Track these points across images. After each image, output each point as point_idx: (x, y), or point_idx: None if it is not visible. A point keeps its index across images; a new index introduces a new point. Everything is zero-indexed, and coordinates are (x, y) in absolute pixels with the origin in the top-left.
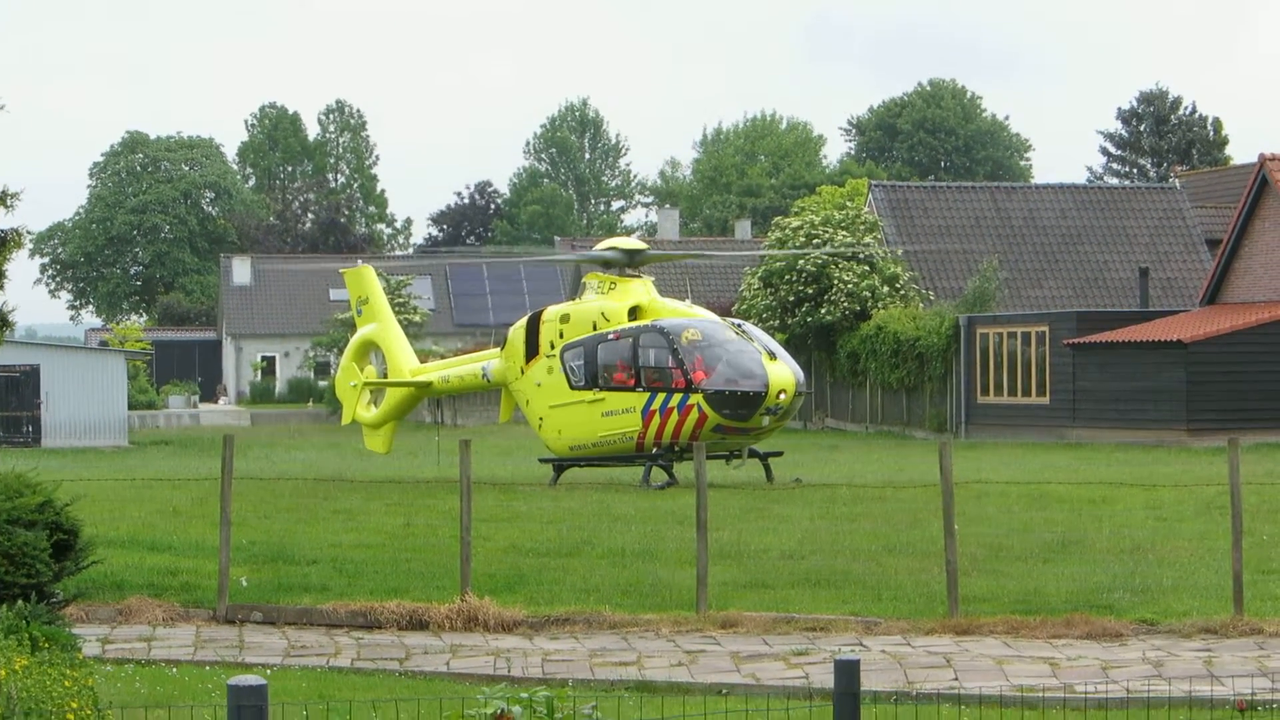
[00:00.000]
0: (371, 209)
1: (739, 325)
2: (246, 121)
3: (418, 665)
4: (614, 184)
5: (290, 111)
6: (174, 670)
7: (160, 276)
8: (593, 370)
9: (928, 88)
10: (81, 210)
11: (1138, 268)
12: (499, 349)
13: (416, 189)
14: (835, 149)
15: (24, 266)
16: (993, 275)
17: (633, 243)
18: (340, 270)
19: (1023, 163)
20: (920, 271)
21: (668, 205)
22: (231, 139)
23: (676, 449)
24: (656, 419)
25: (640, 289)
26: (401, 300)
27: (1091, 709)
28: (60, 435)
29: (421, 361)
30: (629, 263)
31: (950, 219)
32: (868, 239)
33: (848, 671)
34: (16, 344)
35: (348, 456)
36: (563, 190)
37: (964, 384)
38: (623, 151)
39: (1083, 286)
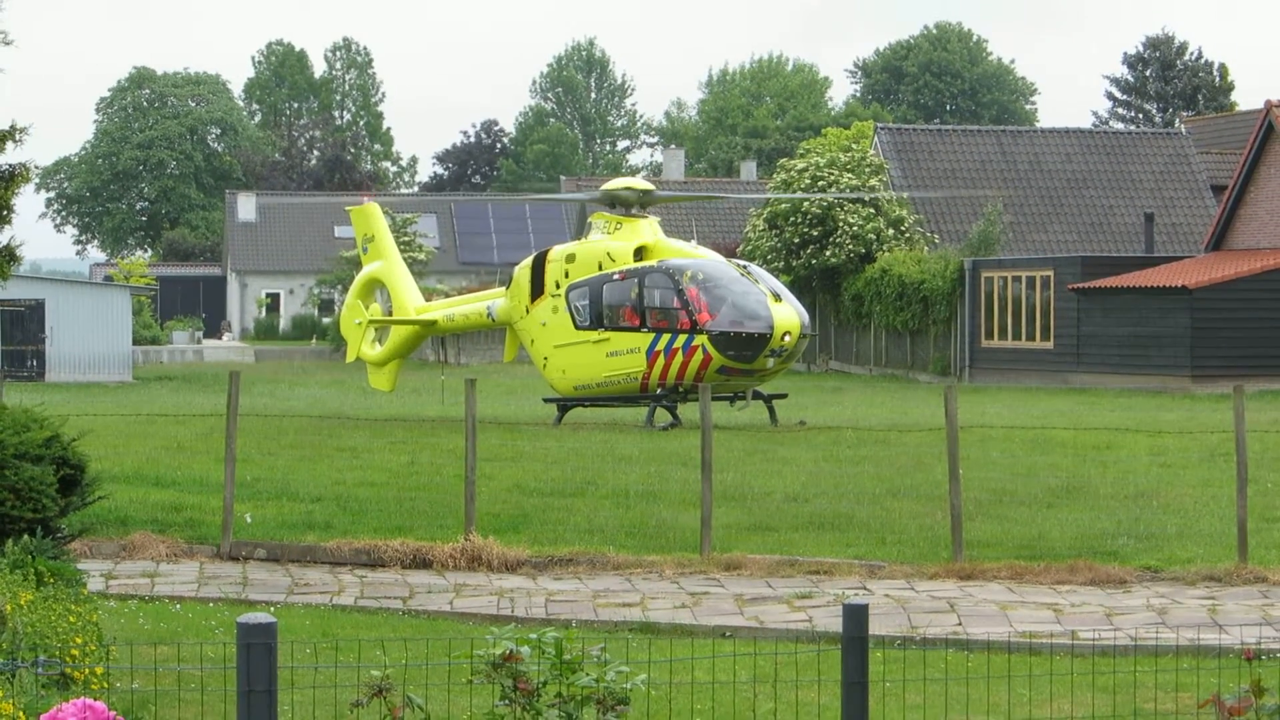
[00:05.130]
0: (377, 147)
1: (744, 266)
2: (253, 58)
3: (421, 604)
4: (620, 124)
5: (297, 49)
6: (177, 607)
7: (166, 212)
8: (598, 310)
9: (934, 30)
10: (88, 145)
11: (1143, 213)
12: (504, 288)
13: (422, 127)
14: (841, 91)
15: (30, 201)
16: (997, 219)
17: (639, 183)
18: (346, 208)
19: (1028, 107)
20: (925, 215)
21: (673, 146)
22: (238, 75)
23: (681, 390)
24: (661, 360)
25: (646, 229)
26: (407, 238)
27: (1096, 656)
28: (64, 370)
29: (426, 300)
30: (635, 203)
31: (955, 162)
32: (873, 182)
33: (856, 616)
34: (22, 278)
35: (352, 394)
36: (568, 130)
37: (968, 328)
38: (629, 91)
39: (1087, 231)
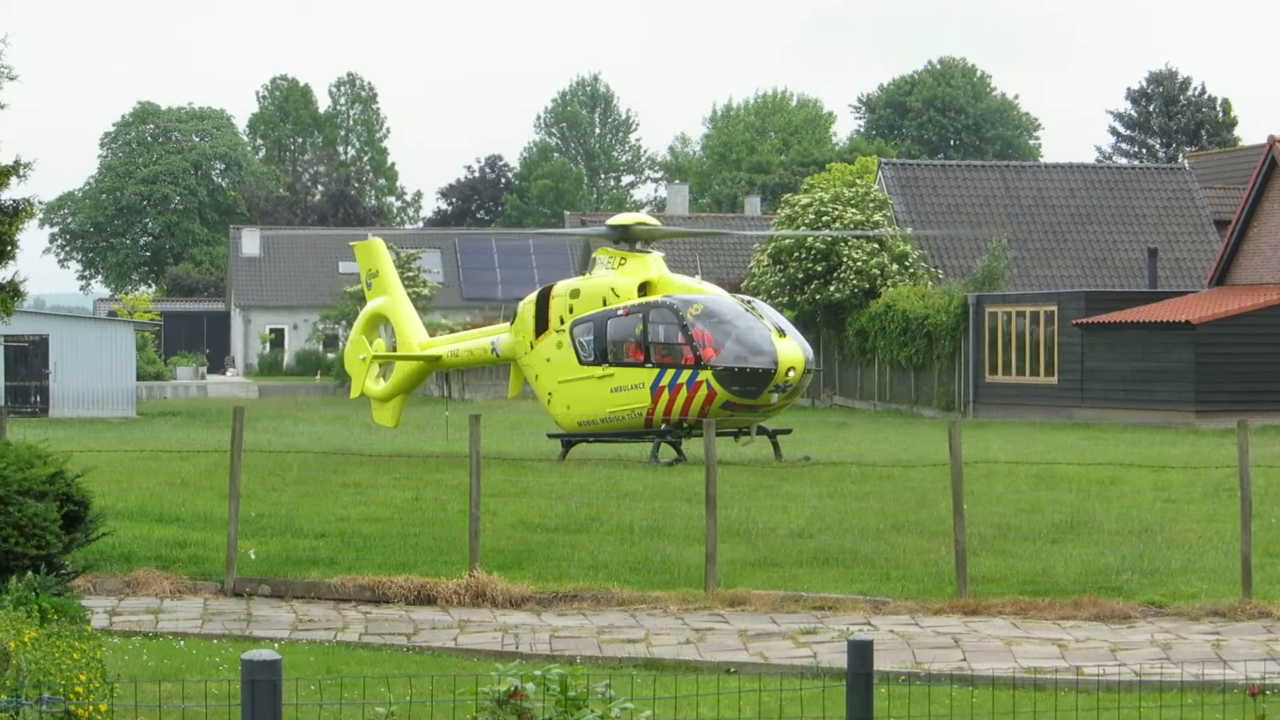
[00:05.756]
0: (381, 182)
1: (748, 302)
2: (258, 93)
3: (425, 641)
4: (624, 159)
5: (301, 84)
6: (181, 643)
7: (170, 247)
8: (602, 346)
9: (938, 66)
10: (92, 180)
11: (1146, 248)
12: (508, 323)
13: (427, 162)
14: (845, 126)
15: (34, 236)
16: (1001, 254)
17: (643, 218)
18: (350, 243)
19: (1032, 142)
20: (929, 250)
21: (677, 181)
22: (242, 110)
23: (685, 425)
24: (665, 395)
25: (650, 265)
26: (411, 274)
27: (1101, 691)
28: (68, 405)
29: (430, 335)
30: (639, 238)
31: (959, 197)
32: (877, 217)
33: (861, 652)
34: (26, 314)
35: (356, 430)
36: (573, 165)
37: (972, 363)
38: (633, 127)
39: (1091, 266)
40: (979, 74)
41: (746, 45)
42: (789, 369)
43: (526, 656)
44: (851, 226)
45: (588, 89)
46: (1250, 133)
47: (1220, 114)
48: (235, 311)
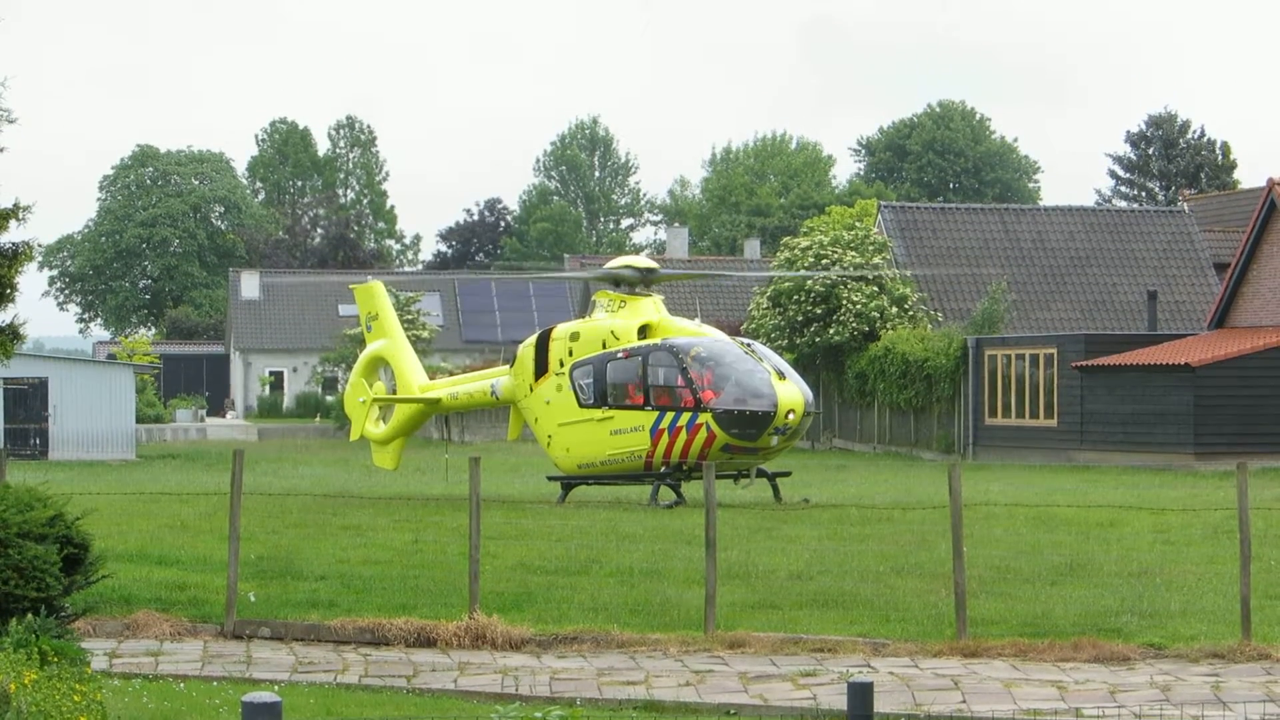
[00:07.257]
0: (381, 225)
1: (748, 344)
2: (257, 136)
3: (425, 683)
4: (623, 202)
5: (301, 126)
6: (181, 685)
7: (169, 290)
8: (602, 388)
9: (937, 109)
10: (91, 223)
11: (1146, 291)
12: (508, 366)
13: (426, 205)
14: (845, 169)
15: (33, 279)
16: (1001, 297)
17: (644, 261)
18: (350, 286)
19: (1031, 185)
20: (929, 292)
21: (677, 224)
22: (242, 153)
23: (685, 468)
24: (665, 438)
25: (650, 308)
26: (410, 316)
27: None
28: (68, 448)
29: (430, 378)
30: (639, 281)
31: (959, 240)
32: (876, 260)
33: (861, 694)
34: (25, 356)
35: (355, 472)
36: (572, 208)
37: (972, 405)
38: (632, 170)
39: (1091, 309)
40: (978, 117)
41: (746, 88)
42: (789, 412)
43: (527, 698)
44: (851, 269)
45: (587, 132)
46: (1249, 175)
47: (1220, 157)
48: (235, 354)
